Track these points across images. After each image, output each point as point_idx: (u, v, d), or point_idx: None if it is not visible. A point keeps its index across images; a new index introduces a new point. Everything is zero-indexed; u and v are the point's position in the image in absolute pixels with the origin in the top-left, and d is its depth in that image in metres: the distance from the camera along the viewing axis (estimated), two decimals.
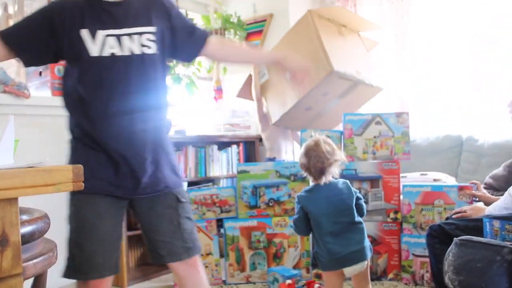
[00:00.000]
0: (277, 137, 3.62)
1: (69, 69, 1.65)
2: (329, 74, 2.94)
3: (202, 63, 3.90)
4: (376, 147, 2.91)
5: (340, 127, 3.34)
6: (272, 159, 3.47)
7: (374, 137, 2.91)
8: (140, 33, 1.66)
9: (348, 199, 2.10)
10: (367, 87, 3.24)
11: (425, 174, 3.16)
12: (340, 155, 2.16)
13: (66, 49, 1.61)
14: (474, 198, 2.63)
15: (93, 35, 1.60)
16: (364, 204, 2.15)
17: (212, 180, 3.85)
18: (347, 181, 2.18)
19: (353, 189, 2.15)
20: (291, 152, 3.74)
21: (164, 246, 1.70)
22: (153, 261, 1.74)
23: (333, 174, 2.14)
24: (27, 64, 1.67)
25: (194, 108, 4.18)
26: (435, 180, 3.05)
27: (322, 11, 3.27)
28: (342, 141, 2.95)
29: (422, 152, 3.72)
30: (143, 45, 1.65)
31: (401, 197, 2.83)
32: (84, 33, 1.59)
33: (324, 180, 2.12)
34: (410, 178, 3.12)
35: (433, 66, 3.98)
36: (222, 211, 2.96)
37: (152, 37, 1.67)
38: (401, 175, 2.92)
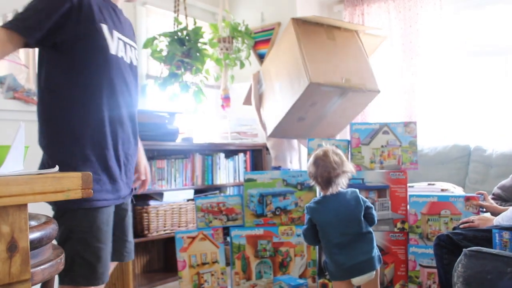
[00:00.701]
0: (281, 146, 3.63)
1: (79, 59, 1.53)
2: (308, 86, 2.97)
3: (210, 71, 3.92)
4: (383, 156, 2.90)
5: (346, 136, 3.34)
6: (277, 168, 3.47)
7: (382, 146, 2.91)
8: (134, 47, 1.76)
9: (356, 210, 2.10)
10: (359, 92, 3.21)
11: (433, 184, 3.15)
12: (349, 166, 2.17)
13: (79, 37, 1.52)
14: (481, 209, 2.61)
15: (110, 33, 1.60)
16: (374, 213, 2.15)
17: (219, 188, 3.85)
18: (357, 190, 2.18)
19: (363, 198, 2.15)
20: (297, 161, 3.74)
21: (128, 246, 1.79)
22: (116, 259, 1.76)
23: (341, 185, 2.14)
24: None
25: (201, 116, 4.20)
26: (442, 190, 3.04)
27: (309, 17, 3.24)
28: (349, 150, 2.95)
29: (430, 162, 3.71)
30: (135, 58, 1.75)
31: (408, 207, 2.82)
32: (104, 28, 1.57)
33: (331, 190, 2.13)
34: (417, 188, 3.11)
35: (441, 75, 3.98)
36: (228, 219, 2.96)
37: (137, 52, 1.78)
38: (408, 184, 2.91)
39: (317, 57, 3.08)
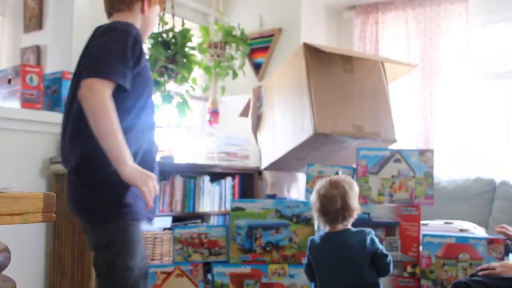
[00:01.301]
0: (280, 172, 3.63)
1: (140, 87, 1.93)
2: (311, 136, 3.01)
3: (198, 81, 3.96)
4: (393, 188, 2.92)
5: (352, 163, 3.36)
6: (272, 196, 3.48)
7: (392, 176, 2.93)
8: None
9: (358, 255, 2.09)
10: (372, 140, 3.20)
11: (450, 223, 3.16)
12: (355, 201, 2.19)
13: (142, 75, 1.93)
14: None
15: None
16: (388, 262, 2.12)
17: (201, 217, 3.85)
18: (367, 231, 2.18)
19: (374, 242, 2.14)
20: (295, 189, 3.75)
21: None
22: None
23: (349, 223, 2.15)
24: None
25: (185, 132, 4.22)
26: (461, 230, 3.05)
27: (324, 47, 3.16)
28: (355, 179, 2.97)
29: (448, 197, 3.73)
30: None
31: (421, 248, 2.83)
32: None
33: (336, 228, 2.13)
34: (432, 227, 3.13)
35: (464, 97, 4.03)
36: (211, 254, 2.95)
37: None
38: (421, 222, 2.93)
39: (328, 98, 3.07)
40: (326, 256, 2.11)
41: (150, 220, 2.04)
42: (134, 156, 1.88)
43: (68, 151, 1.97)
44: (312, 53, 3.11)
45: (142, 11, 2.05)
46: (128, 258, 1.91)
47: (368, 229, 2.20)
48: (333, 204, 2.12)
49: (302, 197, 3.85)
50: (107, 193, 1.90)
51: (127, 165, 1.79)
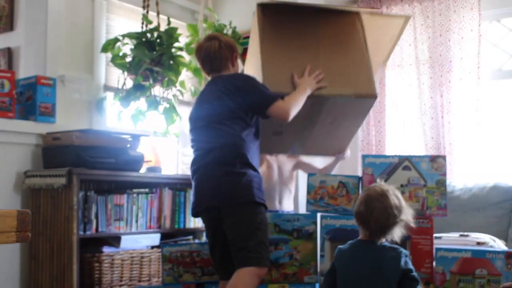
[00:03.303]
0: (269, 180, 3.61)
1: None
2: None
3: (186, 84, 3.96)
4: (403, 198, 2.93)
5: (356, 170, 3.36)
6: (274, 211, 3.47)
7: (402, 186, 2.93)
8: None
9: (391, 272, 2.14)
10: (345, 101, 3.00)
11: (466, 236, 3.16)
12: (408, 213, 2.24)
13: None
14: None
15: None
16: (416, 285, 2.17)
17: (193, 233, 3.85)
18: (404, 253, 2.22)
19: (407, 262, 2.19)
20: (289, 202, 3.73)
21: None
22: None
23: (393, 236, 2.18)
24: None
25: (173, 140, 4.21)
26: (478, 243, 3.06)
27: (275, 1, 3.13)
28: (360, 189, 2.97)
29: (463, 207, 3.74)
30: None
31: (434, 263, 2.83)
32: None
33: (383, 240, 2.19)
34: (446, 240, 3.13)
35: (478, 98, 4.04)
36: (203, 273, 2.95)
37: None
38: (434, 235, 2.93)
39: (282, 56, 2.99)
40: (354, 265, 2.15)
41: None
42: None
43: None
44: (266, 12, 3.07)
45: (233, 65, 2.92)
46: None
47: (403, 250, 2.24)
48: (383, 215, 2.18)
49: (302, 209, 3.85)
50: None
51: None
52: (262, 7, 3.06)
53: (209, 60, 2.88)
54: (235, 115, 2.68)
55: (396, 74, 4.36)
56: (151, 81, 3.67)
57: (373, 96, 2.99)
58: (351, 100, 2.97)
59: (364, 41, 3.13)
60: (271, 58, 2.97)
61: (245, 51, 4.35)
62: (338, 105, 3.03)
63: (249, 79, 2.84)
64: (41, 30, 3.62)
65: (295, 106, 2.76)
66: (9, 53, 4.09)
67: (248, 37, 4.37)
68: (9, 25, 4.17)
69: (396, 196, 2.24)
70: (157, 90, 3.78)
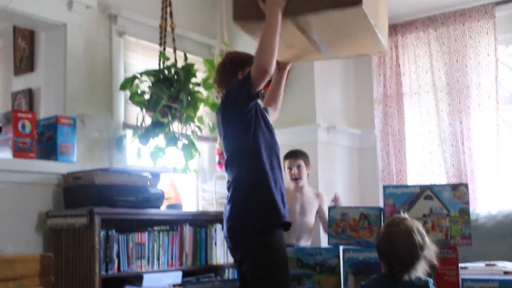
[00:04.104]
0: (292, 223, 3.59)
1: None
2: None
3: (204, 120, 3.98)
4: (426, 228, 2.88)
5: (377, 201, 3.34)
6: (290, 245, 3.46)
7: (424, 215, 2.91)
8: None
9: None
10: (327, 14, 2.50)
11: (493, 265, 3.12)
12: (431, 251, 2.22)
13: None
14: None
15: None
16: None
17: (215, 270, 3.82)
18: (429, 280, 2.20)
19: None
20: (307, 242, 3.74)
21: None
22: None
23: (417, 272, 2.16)
24: None
25: (192, 176, 4.22)
26: (505, 272, 3.01)
27: None
28: (382, 220, 2.95)
29: (488, 235, 3.69)
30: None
31: None
32: None
33: (406, 277, 2.17)
34: (472, 270, 3.08)
35: (499, 123, 4.01)
36: None
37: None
38: (460, 265, 2.89)
39: None
40: None
41: None
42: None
43: None
44: None
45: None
46: None
47: (429, 279, 2.22)
48: (407, 252, 2.17)
49: (324, 243, 3.83)
50: None
51: None
52: None
53: (214, 79, 2.85)
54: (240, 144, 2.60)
55: (414, 102, 4.36)
56: (169, 118, 3.69)
57: (356, 2, 2.42)
58: (333, 13, 2.49)
59: None
60: None
61: None
62: (323, 23, 2.61)
63: (231, 92, 2.65)
64: (60, 70, 3.67)
65: (266, 50, 2.46)
66: (30, 94, 4.16)
67: None
68: (30, 66, 4.26)
69: (420, 234, 2.22)
70: (176, 126, 3.80)
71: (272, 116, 2.91)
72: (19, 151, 3.18)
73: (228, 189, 2.63)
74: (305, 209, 3.82)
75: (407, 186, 3.02)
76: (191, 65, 3.78)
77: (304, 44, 2.79)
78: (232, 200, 2.58)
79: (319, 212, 3.86)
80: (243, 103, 2.56)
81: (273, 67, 2.48)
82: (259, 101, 2.72)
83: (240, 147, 2.60)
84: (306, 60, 3.35)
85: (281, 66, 2.99)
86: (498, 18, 4.07)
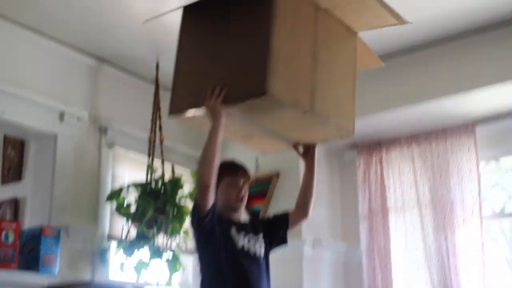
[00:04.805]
0: None
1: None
2: None
3: (190, 233, 3.95)
4: None
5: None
6: None
7: None
8: None
9: None
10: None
11: None
12: None
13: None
14: None
15: None
16: None
17: None
18: None
19: None
20: None
21: None
22: None
23: None
24: None
25: None
26: None
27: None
28: None
29: None
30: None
31: None
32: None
33: None
34: None
35: (482, 239, 4.01)
36: None
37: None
38: None
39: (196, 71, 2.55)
40: None
41: None
42: None
43: None
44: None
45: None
46: None
47: None
48: None
49: None
50: None
51: None
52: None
53: None
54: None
55: (399, 217, 4.37)
56: (155, 230, 3.67)
57: (260, 93, 2.23)
58: (252, 103, 2.32)
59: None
60: (184, 73, 2.56)
61: (248, 198, 4.37)
62: (255, 114, 2.46)
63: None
64: (48, 179, 3.69)
65: (201, 163, 2.35)
66: (16, 203, 4.13)
67: (251, 185, 4.39)
68: (17, 175, 4.25)
69: None
70: (161, 239, 3.77)
71: (295, 221, 2.78)
72: (3, 262, 3.13)
73: None
74: None
75: None
76: (179, 179, 3.81)
77: (260, 132, 2.65)
78: None
79: None
80: (197, 227, 2.45)
81: (210, 180, 2.28)
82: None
83: (205, 269, 2.52)
84: (279, 149, 3.03)
85: (302, 153, 2.78)
86: (479, 136, 4.17)
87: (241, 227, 2.59)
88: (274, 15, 2.30)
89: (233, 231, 2.52)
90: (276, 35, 2.28)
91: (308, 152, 2.77)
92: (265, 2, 2.32)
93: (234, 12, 2.46)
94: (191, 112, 2.48)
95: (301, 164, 4.24)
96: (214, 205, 2.39)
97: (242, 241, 2.53)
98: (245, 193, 2.68)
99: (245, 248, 2.52)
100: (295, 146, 2.77)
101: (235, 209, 2.63)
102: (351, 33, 2.70)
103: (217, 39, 2.50)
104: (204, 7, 2.55)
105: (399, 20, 2.55)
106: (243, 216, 2.82)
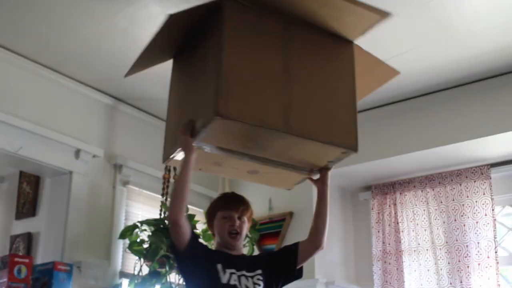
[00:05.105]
0: None
1: None
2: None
3: None
4: None
5: None
6: None
7: None
8: None
9: None
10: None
11: None
12: None
13: None
14: None
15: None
16: None
17: None
18: None
19: None
20: None
21: None
22: None
23: None
24: None
25: None
26: None
27: None
28: None
29: None
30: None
31: None
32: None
33: None
34: None
35: (498, 283, 3.96)
36: None
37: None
38: None
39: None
40: None
41: None
42: None
43: None
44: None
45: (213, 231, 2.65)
46: None
47: None
48: None
49: None
50: None
51: None
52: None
53: None
54: None
55: (413, 260, 4.32)
56: (167, 268, 3.67)
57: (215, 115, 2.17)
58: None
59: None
60: (169, 121, 2.68)
61: (261, 237, 4.38)
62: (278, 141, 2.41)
63: None
64: (62, 215, 3.71)
65: (171, 199, 2.35)
66: (29, 238, 4.15)
67: (264, 224, 4.42)
68: (32, 211, 4.28)
69: None
70: (173, 277, 3.76)
71: (307, 251, 2.64)
72: None
73: None
74: None
75: None
76: (192, 216, 3.81)
77: (261, 165, 2.57)
78: None
79: None
80: (177, 263, 2.53)
81: (177, 215, 2.23)
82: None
83: None
84: (294, 181, 2.86)
85: (312, 178, 2.69)
86: (494, 179, 4.15)
87: (231, 263, 2.46)
88: (224, 35, 2.26)
89: (219, 266, 2.41)
90: (228, 55, 2.23)
91: (319, 178, 2.65)
92: (219, 25, 2.29)
93: (200, 46, 2.47)
94: (176, 155, 2.47)
95: (315, 203, 4.25)
96: (192, 238, 2.36)
97: (227, 277, 2.39)
98: (242, 225, 2.55)
99: (231, 284, 2.38)
100: (309, 174, 2.66)
101: (229, 243, 2.52)
102: (342, 42, 2.56)
103: (188, 78, 2.57)
104: (186, 52, 2.60)
105: (382, 14, 2.38)
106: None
